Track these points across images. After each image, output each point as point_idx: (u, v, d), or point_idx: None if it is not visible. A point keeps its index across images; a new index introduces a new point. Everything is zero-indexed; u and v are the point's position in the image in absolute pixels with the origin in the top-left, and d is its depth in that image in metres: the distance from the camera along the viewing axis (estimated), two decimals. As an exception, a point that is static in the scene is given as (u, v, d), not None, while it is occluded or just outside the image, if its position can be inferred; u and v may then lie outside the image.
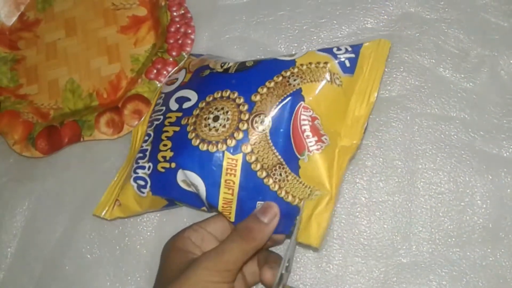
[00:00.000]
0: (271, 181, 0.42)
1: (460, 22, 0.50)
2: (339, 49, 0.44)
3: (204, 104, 0.44)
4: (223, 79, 0.45)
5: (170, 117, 0.46)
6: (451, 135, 0.48)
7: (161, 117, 0.47)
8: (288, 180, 0.42)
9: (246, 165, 0.42)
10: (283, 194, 0.42)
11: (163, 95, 0.50)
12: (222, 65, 0.46)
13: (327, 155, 0.42)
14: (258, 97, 0.43)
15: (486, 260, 0.44)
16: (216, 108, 0.43)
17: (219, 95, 0.44)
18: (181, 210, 0.50)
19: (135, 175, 0.46)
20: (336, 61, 0.43)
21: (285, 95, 0.42)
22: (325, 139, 0.42)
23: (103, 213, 0.48)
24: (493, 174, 0.46)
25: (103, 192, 0.50)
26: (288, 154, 0.42)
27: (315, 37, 0.53)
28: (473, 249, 0.45)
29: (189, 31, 0.53)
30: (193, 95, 0.46)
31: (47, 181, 0.54)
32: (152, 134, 0.47)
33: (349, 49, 0.44)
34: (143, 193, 0.46)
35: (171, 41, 0.53)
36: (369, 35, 0.51)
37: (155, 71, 0.52)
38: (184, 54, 0.52)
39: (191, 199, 0.44)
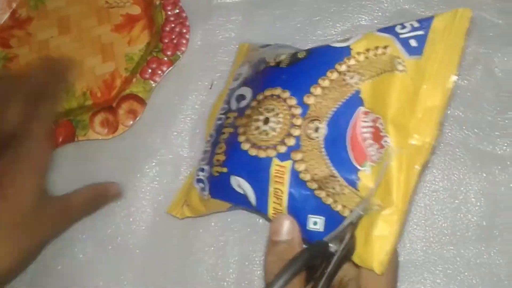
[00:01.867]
0: (323, 193, 0.37)
1: None
2: (403, 26, 0.37)
3: (255, 103, 0.41)
4: (274, 75, 0.41)
5: (229, 117, 0.43)
6: (445, 133, 0.48)
7: (223, 116, 0.45)
8: (344, 194, 0.36)
9: (294, 174, 0.37)
10: (339, 208, 0.37)
11: (229, 91, 0.47)
12: (276, 57, 0.42)
13: (391, 159, 0.35)
14: (312, 100, 0.38)
15: (480, 258, 0.45)
16: (266, 109, 0.39)
17: (270, 93, 0.40)
18: None
19: (197, 177, 0.44)
20: (399, 42, 0.37)
21: (343, 100, 0.37)
22: (385, 141, 0.36)
23: (175, 212, 0.47)
24: (487, 172, 0.46)
25: None
26: (345, 166, 0.36)
27: (309, 35, 0.53)
28: (467, 247, 0.45)
29: (184, 30, 0.53)
30: (248, 93, 0.43)
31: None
32: (214, 134, 0.45)
33: (416, 25, 0.37)
34: (205, 195, 0.43)
35: (166, 40, 0.53)
36: (364, 32, 0.50)
37: (150, 70, 0.52)
38: (179, 53, 0.52)
39: (249, 205, 0.40)
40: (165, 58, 0.52)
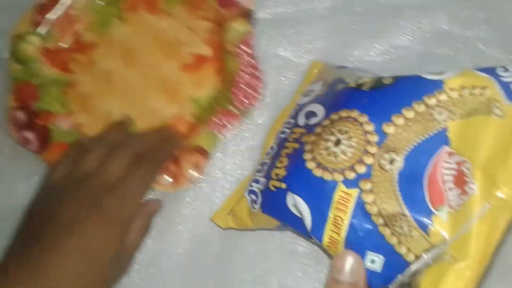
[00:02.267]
0: (388, 231, 0.34)
1: (497, 41, 0.49)
2: (506, 69, 0.36)
3: (328, 122, 0.39)
4: (353, 96, 0.39)
5: (295, 133, 0.42)
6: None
7: (288, 130, 0.43)
8: (412, 236, 0.34)
9: (360, 204, 0.35)
10: (402, 250, 0.34)
11: (296, 106, 0.45)
12: (357, 79, 0.41)
13: (473, 209, 0.33)
14: (391, 129, 0.36)
15: None
16: (339, 130, 0.38)
17: (346, 114, 0.38)
18: (212, 237, 0.49)
19: (250, 188, 0.43)
20: (499, 85, 0.35)
21: (426, 135, 0.35)
22: (470, 188, 0.33)
23: (220, 222, 0.46)
24: None
25: None
26: (418, 206, 0.34)
27: (346, 56, 0.52)
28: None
29: (257, 83, 0.51)
30: (320, 111, 0.41)
31: None
32: (275, 147, 0.43)
33: None
34: (255, 208, 0.42)
35: (238, 92, 0.51)
36: (403, 53, 0.51)
37: (218, 123, 0.50)
38: (250, 107, 0.50)
39: (302, 228, 0.38)
40: (235, 111, 0.50)
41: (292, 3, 0.54)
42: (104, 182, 0.43)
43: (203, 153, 0.50)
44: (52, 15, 0.56)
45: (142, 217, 0.45)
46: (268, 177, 0.41)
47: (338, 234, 0.36)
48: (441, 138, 0.35)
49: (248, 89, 0.51)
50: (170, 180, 0.50)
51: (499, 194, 0.32)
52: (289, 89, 0.52)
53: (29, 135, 0.53)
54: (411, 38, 0.51)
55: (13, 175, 0.54)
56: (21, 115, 0.54)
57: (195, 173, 0.49)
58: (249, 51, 0.52)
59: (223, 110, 0.50)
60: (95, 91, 0.55)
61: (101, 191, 0.42)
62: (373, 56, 0.51)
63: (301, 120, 0.43)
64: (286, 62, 0.53)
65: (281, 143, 0.43)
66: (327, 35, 0.53)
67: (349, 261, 0.35)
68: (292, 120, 0.44)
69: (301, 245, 0.47)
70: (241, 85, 0.51)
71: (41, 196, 0.43)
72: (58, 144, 0.53)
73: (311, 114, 0.42)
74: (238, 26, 0.52)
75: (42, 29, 0.56)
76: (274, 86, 0.52)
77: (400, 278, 0.34)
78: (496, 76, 0.35)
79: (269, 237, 0.48)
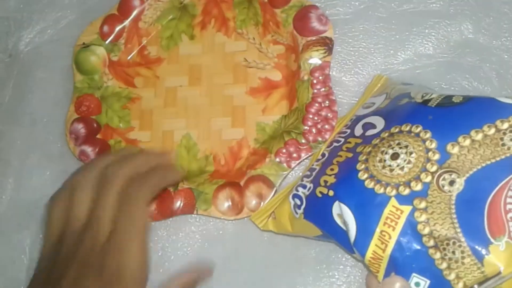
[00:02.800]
0: (438, 255, 0.33)
1: None
2: None
3: (387, 134, 0.38)
4: (418, 111, 0.38)
5: (350, 142, 0.41)
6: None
7: (342, 139, 0.43)
8: (463, 264, 0.32)
9: (411, 223, 0.34)
10: (451, 277, 0.33)
11: (354, 117, 0.45)
12: (424, 95, 0.39)
13: None
14: (456, 149, 0.35)
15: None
16: (398, 144, 0.37)
17: (408, 128, 0.37)
18: (224, 237, 0.49)
19: (295, 192, 0.43)
20: None
21: (494, 160, 0.34)
22: None
23: (258, 221, 0.45)
24: None
25: None
26: (475, 233, 0.33)
27: (369, 63, 0.51)
28: None
29: (330, 115, 0.48)
30: (380, 123, 0.41)
31: None
32: (326, 154, 0.43)
33: None
34: (297, 213, 0.42)
35: (310, 123, 0.48)
36: (426, 62, 0.50)
37: (286, 153, 0.48)
38: (320, 140, 0.47)
39: (344, 240, 0.37)
40: (305, 143, 0.47)
41: None
42: (97, 235, 0.37)
43: (267, 182, 0.47)
44: (121, 26, 0.54)
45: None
46: (316, 183, 0.41)
47: (383, 250, 0.34)
48: (509, 165, 0.34)
49: (320, 121, 0.48)
50: (230, 206, 0.47)
51: None
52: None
53: (88, 149, 0.51)
54: (435, 46, 0.50)
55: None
56: (81, 128, 0.52)
57: (256, 202, 0.47)
58: (323, 80, 0.49)
59: (292, 140, 0.48)
60: (157, 108, 0.53)
61: (98, 251, 0.37)
62: (396, 64, 0.51)
63: (358, 131, 0.42)
64: None
65: (334, 152, 0.42)
66: (349, 41, 0.52)
67: (397, 286, 0.33)
68: (347, 130, 0.43)
69: (314, 249, 0.46)
70: (313, 115, 0.48)
71: (41, 262, 0.40)
72: (117, 161, 0.51)
73: (370, 125, 0.41)
74: (314, 54, 0.49)
75: (108, 40, 0.54)
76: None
77: None
78: None
79: (281, 242, 0.47)
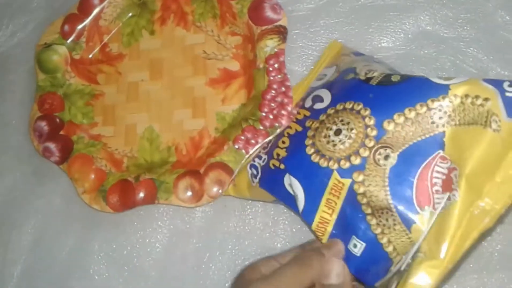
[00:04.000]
0: (374, 221, 0.37)
1: (479, 41, 0.49)
2: (511, 84, 0.36)
3: (332, 111, 0.41)
4: (361, 89, 0.40)
5: (299, 113, 0.44)
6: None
7: (294, 111, 0.46)
8: (394, 230, 0.36)
9: (351, 194, 0.37)
10: (384, 241, 0.37)
11: (309, 89, 0.47)
12: (367, 72, 0.42)
13: (452, 214, 0.34)
14: (391, 126, 0.38)
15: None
16: (341, 121, 0.39)
17: (350, 106, 0.40)
18: (192, 231, 0.50)
19: (252, 162, 0.45)
20: (501, 100, 0.35)
21: (424, 137, 0.37)
22: (454, 195, 0.34)
23: None
24: None
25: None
26: (404, 203, 0.36)
27: None
28: (491, 276, 0.43)
29: (286, 100, 0.49)
30: (327, 97, 0.43)
31: (54, 200, 0.53)
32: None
33: None
34: (254, 182, 0.44)
35: (266, 109, 0.49)
36: (385, 54, 0.51)
37: (244, 139, 0.48)
38: (277, 125, 0.48)
39: (294, 206, 0.41)
40: (262, 129, 0.48)
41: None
42: None
43: (226, 169, 0.48)
44: (81, 25, 0.55)
45: None
46: (270, 155, 0.44)
47: (330, 214, 0.38)
48: (437, 142, 0.36)
49: (276, 107, 0.49)
50: (190, 194, 0.48)
51: (481, 203, 0.33)
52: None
53: (51, 145, 0.52)
54: (394, 39, 0.51)
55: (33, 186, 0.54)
56: (44, 125, 0.53)
57: (216, 189, 0.47)
58: (279, 67, 0.50)
59: (250, 127, 0.49)
60: (120, 103, 0.54)
61: None
62: None
63: (308, 103, 0.44)
64: None
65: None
66: (310, 35, 0.53)
67: (334, 268, 0.37)
68: (300, 102, 0.45)
69: (280, 242, 0.48)
70: (269, 102, 0.49)
71: None
72: (79, 156, 0.52)
73: (318, 99, 0.43)
74: (269, 43, 0.50)
75: (70, 39, 0.55)
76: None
77: (383, 279, 0.36)
78: (501, 90, 0.36)
79: (248, 234, 0.48)
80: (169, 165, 0.51)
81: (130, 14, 0.57)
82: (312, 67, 0.51)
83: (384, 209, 0.36)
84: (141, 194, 0.49)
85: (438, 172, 0.36)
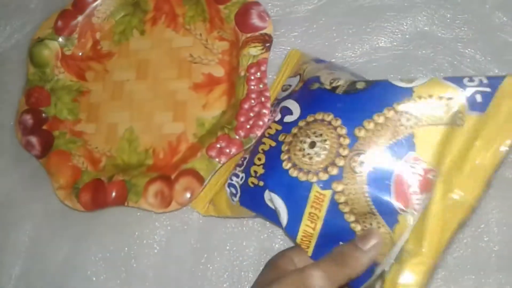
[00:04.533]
0: (359, 227, 0.37)
1: (477, 42, 0.49)
2: (471, 79, 0.37)
3: (304, 123, 0.41)
4: (328, 100, 0.41)
5: (270, 128, 0.44)
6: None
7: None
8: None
9: (333, 204, 0.38)
10: None
11: (275, 101, 0.47)
12: (332, 81, 0.42)
13: (429, 210, 0.35)
14: (362, 133, 0.38)
15: (501, 290, 0.42)
16: (314, 133, 0.40)
17: (321, 117, 0.40)
18: (189, 232, 0.49)
19: (229, 181, 0.45)
20: (464, 95, 0.36)
21: (394, 140, 0.37)
22: (431, 192, 0.35)
23: (199, 208, 0.48)
24: (511, 200, 0.45)
25: (107, 212, 0.50)
26: (385, 206, 0.37)
27: (328, 57, 0.50)
28: (488, 277, 0.43)
29: (264, 111, 0.48)
30: (296, 109, 0.43)
31: (51, 202, 0.52)
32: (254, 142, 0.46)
33: (485, 81, 0.36)
34: (234, 201, 0.45)
35: (242, 119, 0.48)
36: (383, 54, 0.51)
37: (218, 147, 0.48)
38: (252, 136, 0.47)
39: (277, 221, 0.41)
40: (237, 138, 0.47)
41: (277, 6, 0.55)
42: None
43: (198, 177, 0.47)
44: (75, 21, 0.56)
45: None
46: (247, 173, 0.43)
47: (313, 229, 0.38)
48: (407, 144, 0.37)
49: (253, 116, 0.48)
50: (159, 199, 0.47)
51: (454, 196, 0.34)
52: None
53: (33, 139, 0.53)
54: (391, 39, 0.51)
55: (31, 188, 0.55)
56: (29, 119, 0.53)
57: (186, 196, 0.47)
58: (260, 77, 0.49)
59: (225, 135, 0.48)
60: (104, 101, 0.54)
61: None
62: (354, 57, 0.51)
63: (277, 116, 0.44)
64: (268, 63, 0.51)
65: (259, 138, 0.45)
66: (308, 37, 0.53)
67: (375, 238, 0.36)
68: (270, 116, 0.46)
69: (278, 242, 0.48)
70: (246, 111, 0.48)
71: None
72: (58, 152, 0.52)
73: (287, 111, 0.43)
74: (252, 51, 0.49)
75: (63, 35, 0.56)
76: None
77: (367, 282, 0.36)
78: (463, 86, 0.37)
79: (246, 235, 0.48)
80: (144, 167, 0.51)
81: (124, 13, 0.56)
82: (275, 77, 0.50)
83: (368, 214, 0.37)
84: (113, 195, 0.49)
85: (413, 173, 0.36)
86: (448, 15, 0.51)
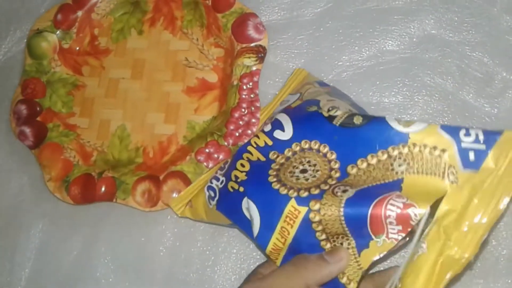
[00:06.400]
0: (328, 245, 0.38)
1: (485, 45, 0.50)
2: (467, 133, 0.36)
3: (298, 148, 0.42)
4: (325, 129, 0.41)
5: (258, 138, 0.44)
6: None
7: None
8: (350, 254, 0.38)
9: (306, 222, 0.38)
10: None
11: (272, 114, 0.48)
12: (330, 109, 0.42)
13: (423, 265, 0.35)
14: (354, 171, 0.39)
15: (509, 294, 0.43)
16: (308, 162, 0.41)
17: (316, 147, 0.41)
18: (196, 234, 0.50)
19: (210, 184, 0.46)
20: (457, 150, 0.36)
21: (382, 181, 0.38)
22: (422, 247, 0.36)
23: (176, 208, 0.48)
24: None
25: (116, 214, 0.51)
26: (359, 230, 0.37)
27: (335, 61, 0.52)
28: (497, 281, 0.44)
29: (253, 120, 0.50)
30: (288, 127, 0.43)
31: (61, 203, 0.53)
32: (238, 148, 0.46)
33: (481, 136, 0.36)
34: (211, 204, 0.45)
35: (232, 127, 0.50)
36: (390, 58, 0.51)
37: (206, 152, 0.50)
38: (240, 144, 0.49)
39: (249, 230, 0.42)
40: (225, 145, 0.49)
41: (284, 10, 0.55)
42: None
43: (185, 180, 0.49)
44: (74, 16, 0.57)
45: None
46: (228, 177, 0.44)
47: (283, 243, 0.39)
48: (395, 187, 0.37)
49: (243, 125, 0.50)
50: (146, 198, 0.49)
51: (451, 253, 0.34)
52: (274, 92, 0.52)
53: (26, 130, 0.54)
54: (398, 42, 0.51)
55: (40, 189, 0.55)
56: (23, 109, 0.55)
57: (172, 197, 0.49)
58: (251, 87, 0.51)
59: (214, 141, 0.50)
60: (99, 97, 0.56)
61: None
62: (361, 60, 0.52)
63: (267, 127, 0.44)
64: (274, 66, 0.53)
65: (244, 146, 0.45)
66: (315, 40, 0.53)
67: (342, 255, 0.37)
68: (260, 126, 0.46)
69: None
70: (236, 120, 0.50)
71: None
72: (50, 144, 0.54)
73: (278, 125, 0.44)
74: (246, 61, 0.51)
75: (61, 28, 0.57)
76: (262, 89, 0.52)
77: None
78: (458, 140, 0.37)
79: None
80: (134, 165, 0.52)
81: (123, 12, 0.57)
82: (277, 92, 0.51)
83: (340, 235, 0.37)
84: (102, 191, 0.51)
85: (392, 205, 0.36)
86: (456, 18, 0.51)
